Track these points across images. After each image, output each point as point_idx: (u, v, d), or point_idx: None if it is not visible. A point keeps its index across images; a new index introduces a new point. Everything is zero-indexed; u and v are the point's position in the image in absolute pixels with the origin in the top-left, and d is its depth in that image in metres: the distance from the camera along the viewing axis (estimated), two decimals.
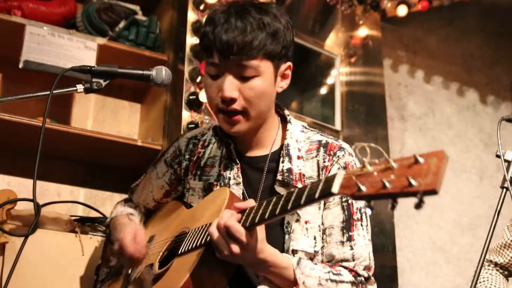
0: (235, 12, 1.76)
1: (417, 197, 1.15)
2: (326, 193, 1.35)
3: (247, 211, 1.59)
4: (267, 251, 1.64)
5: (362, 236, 1.81)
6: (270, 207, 1.51)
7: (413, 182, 1.16)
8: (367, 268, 1.80)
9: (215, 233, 1.58)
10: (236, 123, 1.81)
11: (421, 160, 1.18)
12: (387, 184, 1.20)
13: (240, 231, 1.55)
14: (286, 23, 1.82)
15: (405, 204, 1.25)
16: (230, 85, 1.76)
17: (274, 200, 1.52)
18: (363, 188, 1.24)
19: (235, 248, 1.55)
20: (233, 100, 1.77)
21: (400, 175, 1.19)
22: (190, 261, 1.66)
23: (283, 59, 1.84)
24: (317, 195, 1.37)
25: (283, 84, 1.89)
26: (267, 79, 1.80)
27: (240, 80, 1.77)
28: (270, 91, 1.83)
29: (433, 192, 1.13)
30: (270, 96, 1.84)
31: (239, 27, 1.73)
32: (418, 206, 1.14)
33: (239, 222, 1.57)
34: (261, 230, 1.60)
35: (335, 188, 1.31)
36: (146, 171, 2.24)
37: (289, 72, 1.89)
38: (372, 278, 1.82)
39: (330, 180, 1.34)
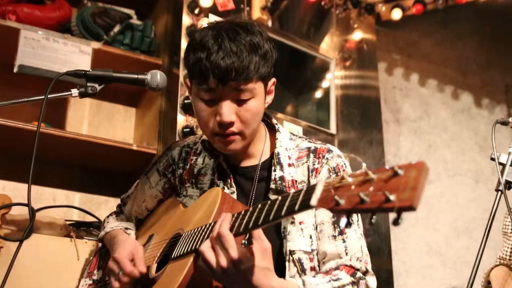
0: (227, 36, 1.74)
1: (395, 213, 1.11)
2: (306, 206, 1.33)
3: (235, 216, 1.56)
4: (276, 283, 1.57)
5: (354, 230, 1.82)
6: (255, 216, 1.49)
7: (390, 197, 1.12)
8: (360, 260, 1.79)
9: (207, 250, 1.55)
10: (232, 142, 1.83)
11: (400, 172, 1.14)
12: (364, 198, 1.17)
13: (230, 241, 1.50)
14: (269, 41, 1.84)
15: None
16: (229, 110, 1.77)
17: (259, 207, 1.50)
18: (341, 202, 1.21)
19: (223, 260, 1.50)
20: (231, 124, 1.79)
21: (378, 189, 1.16)
22: (182, 267, 1.67)
23: (270, 77, 1.88)
24: (297, 207, 1.36)
25: (269, 99, 1.92)
26: (260, 99, 1.83)
27: (237, 103, 1.79)
28: (262, 109, 1.88)
29: (410, 208, 1.09)
30: (261, 114, 1.89)
31: (235, 51, 1.72)
32: (396, 222, 1.11)
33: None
34: (263, 257, 1.53)
35: (314, 201, 1.30)
36: (136, 181, 2.24)
37: (273, 87, 1.93)
38: (371, 270, 1.80)
39: (310, 192, 1.33)
